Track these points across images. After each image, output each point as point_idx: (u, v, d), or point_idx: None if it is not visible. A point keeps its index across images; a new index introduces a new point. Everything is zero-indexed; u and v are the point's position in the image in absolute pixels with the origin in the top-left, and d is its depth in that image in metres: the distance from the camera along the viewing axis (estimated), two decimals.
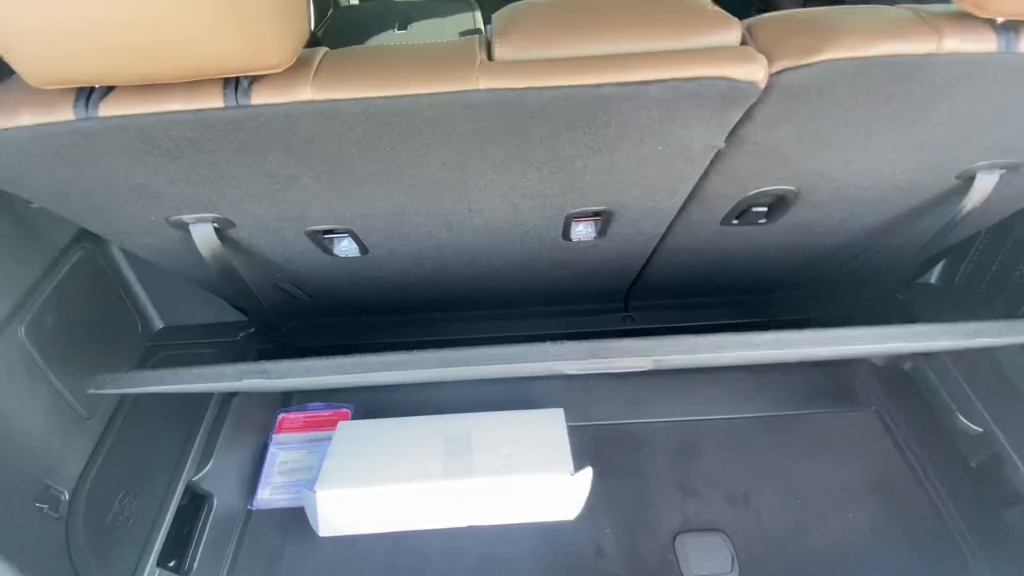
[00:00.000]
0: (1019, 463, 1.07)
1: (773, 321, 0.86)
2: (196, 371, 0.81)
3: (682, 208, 0.86)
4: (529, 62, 0.59)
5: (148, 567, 1.02)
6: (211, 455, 1.21)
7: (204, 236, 0.83)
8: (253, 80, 0.59)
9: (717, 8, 0.63)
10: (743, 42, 0.62)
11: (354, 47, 0.65)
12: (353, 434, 1.29)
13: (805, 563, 1.13)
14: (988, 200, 0.84)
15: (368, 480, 1.17)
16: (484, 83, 0.58)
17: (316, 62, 0.61)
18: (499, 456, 1.20)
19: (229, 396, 1.31)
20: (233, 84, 0.59)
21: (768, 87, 0.60)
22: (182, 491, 1.13)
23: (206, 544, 1.14)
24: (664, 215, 0.87)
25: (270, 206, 0.78)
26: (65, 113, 0.60)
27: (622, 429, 1.36)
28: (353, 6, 2.81)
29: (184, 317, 1.32)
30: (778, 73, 0.59)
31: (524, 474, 1.17)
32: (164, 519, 1.08)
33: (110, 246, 1.17)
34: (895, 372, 1.39)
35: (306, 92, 0.59)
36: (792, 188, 0.82)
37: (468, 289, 1.17)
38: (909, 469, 1.26)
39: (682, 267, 1.13)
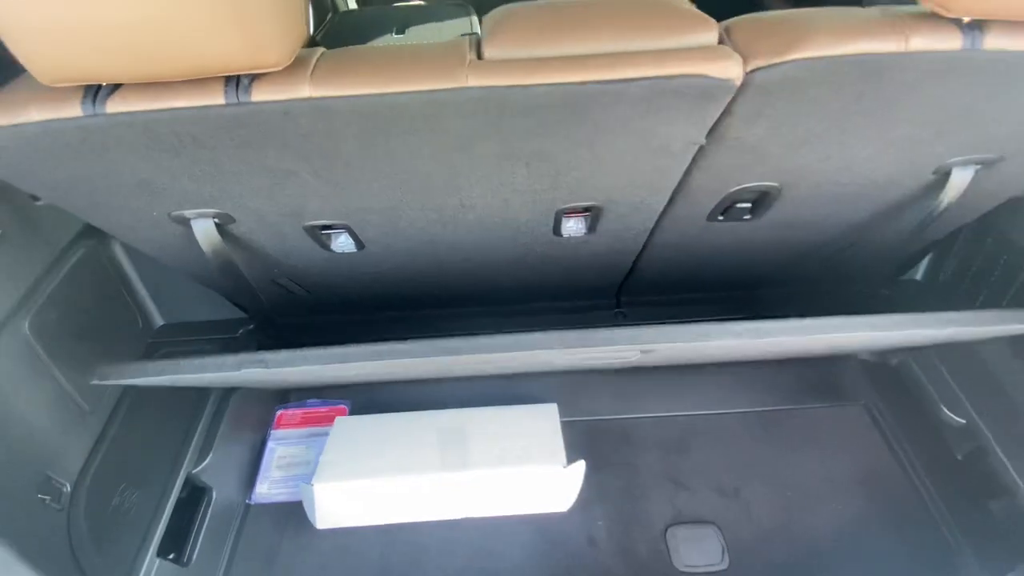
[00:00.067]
0: (1002, 455, 1.10)
1: (762, 317, 0.89)
2: (197, 362, 0.83)
3: (669, 204, 0.89)
4: (516, 61, 0.62)
5: (148, 558, 1.04)
6: (210, 449, 1.23)
7: (205, 231, 0.86)
8: (253, 78, 0.62)
9: (696, 10, 0.66)
10: (721, 42, 0.65)
11: (351, 47, 0.68)
12: (350, 429, 1.32)
13: (794, 554, 1.15)
14: (965, 195, 0.87)
15: (365, 473, 1.19)
16: (473, 81, 0.61)
17: (313, 61, 0.64)
18: (494, 449, 1.22)
19: (228, 392, 1.33)
20: (234, 82, 0.62)
21: (744, 85, 0.63)
22: (181, 484, 1.15)
23: (205, 536, 1.15)
24: (651, 211, 0.90)
25: (269, 201, 0.80)
26: (73, 110, 0.63)
27: (615, 424, 1.39)
28: (352, 11, 2.85)
29: (184, 314, 1.34)
30: (753, 71, 0.62)
31: (518, 466, 1.19)
32: (164, 511, 1.10)
33: (112, 244, 1.19)
34: (883, 367, 1.42)
35: (304, 89, 0.62)
36: (774, 184, 0.85)
37: (463, 285, 1.20)
38: (896, 462, 1.29)
39: (671, 263, 1.15)
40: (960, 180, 0.84)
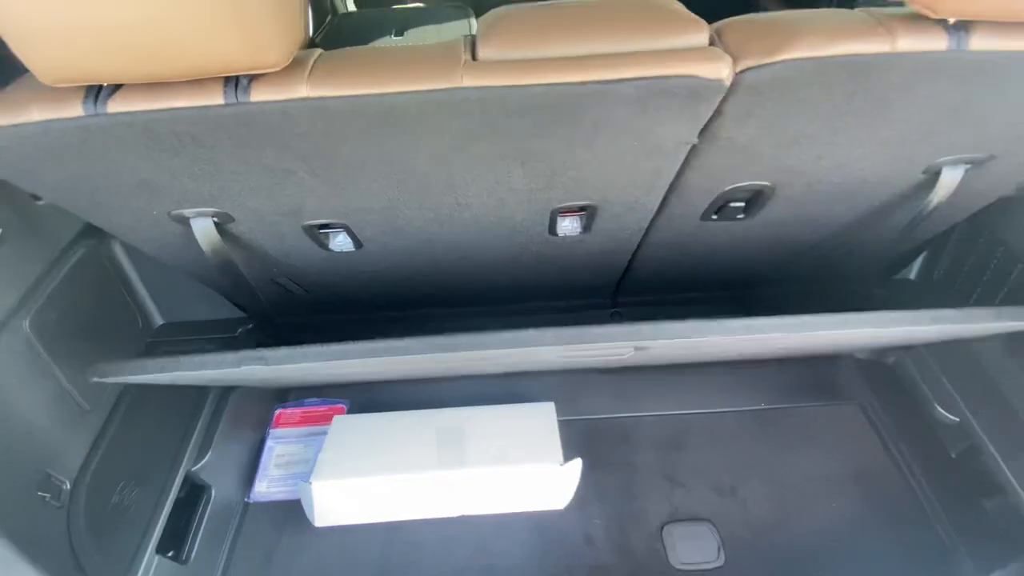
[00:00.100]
0: (995, 453, 1.10)
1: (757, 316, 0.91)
2: (196, 359, 0.84)
3: (663, 203, 0.90)
4: (511, 62, 0.63)
5: (147, 555, 1.04)
6: (209, 447, 1.23)
7: (204, 230, 0.87)
8: (252, 79, 0.63)
9: (687, 12, 0.67)
10: (711, 43, 0.66)
11: (348, 48, 0.69)
12: (348, 427, 1.32)
13: (789, 552, 1.16)
14: (955, 195, 0.88)
15: (363, 471, 1.20)
16: (468, 81, 0.62)
17: (311, 62, 0.65)
18: (491, 447, 1.23)
19: (227, 391, 1.34)
20: (233, 82, 0.63)
21: (734, 85, 0.64)
22: (180, 482, 1.16)
23: (204, 534, 1.16)
24: (645, 210, 0.91)
25: (268, 200, 0.81)
26: (75, 109, 0.64)
27: (612, 423, 1.39)
28: (351, 13, 2.86)
29: (184, 314, 1.35)
30: (742, 72, 0.63)
31: (515, 465, 1.20)
32: (163, 509, 1.11)
33: (112, 243, 1.20)
34: (878, 366, 1.43)
35: (302, 90, 0.63)
36: (767, 183, 0.86)
37: (460, 284, 1.21)
38: (891, 460, 1.29)
39: (667, 262, 1.16)
40: (950, 179, 0.85)
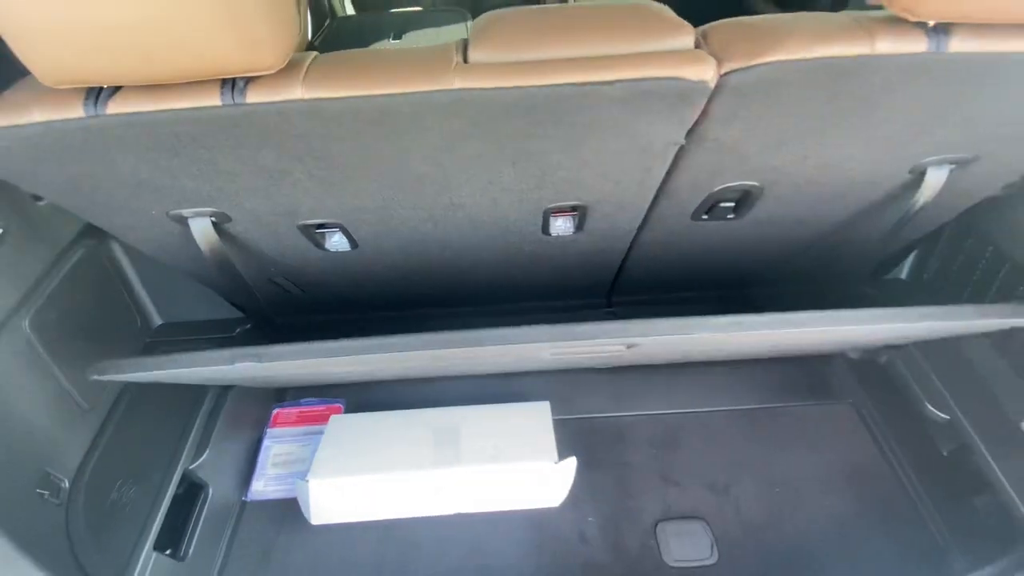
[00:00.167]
0: (985, 451, 1.12)
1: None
2: (192, 356, 0.85)
3: (653, 203, 0.92)
4: (501, 64, 0.64)
5: (145, 552, 1.05)
6: (207, 446, 1.24)
7: (202, 230, 0.88)
8: (248, 80, 0.65)
9: (674, 16, 0.68)
10: (697, 46, 0.67)
11: (342, 51, 0.70)
12: (345, 426, 1.34)
13: (782, 549, 1.17)
14: (941, 194, 0.89)
15: (359, 469, 1.21)
16: (458, 83, 0.63)
17: (306, 64, 0.66)
18: (486, 446, 1.24)
19: (225, 390, 1.35)
20: (230, 84, 0.64)
21: (719, 87, 0.66)
22: (178, 480, 1.17)
23: (202, 531, 1.17)
24: (636, 210, 0.92)
25: (264, 200, 0.82)
26: (75, 111, 0.65)
27: (607, 422, 1.41)
28: (349, 17, 2.89)
29: (182, 314, 1.36)
30: (727, 74, 0.65)
31: (510, 463, 1.21)
32: (161, 506, 1.12)
33: (112, 244, 1.21)
34: (870, 365, 1.44)
35: (297, 91, 0.64)
36: (755, 184, 0.87)
37: (456, 284, 1.22)
38: (884, 459, 1.30)
39: (660, 262, 1.18)
40: (935, 179, 0.86)
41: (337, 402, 1.47)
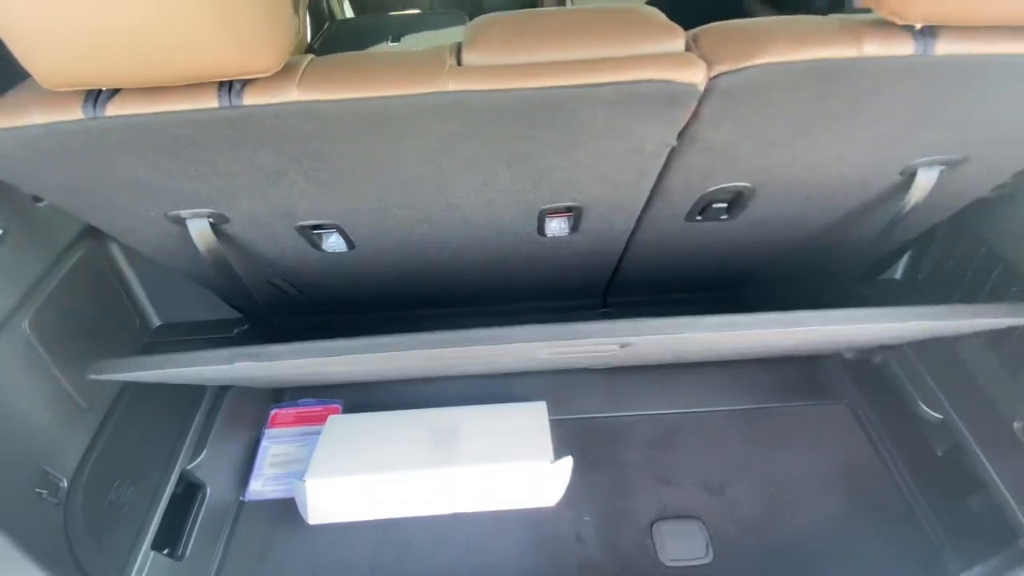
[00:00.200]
0: (978, 450, 1.12)
1: None
2: (191, 355, 0.86)
3: (647, 204, 0.93)
4: (494, 67, 0.65)
5: (142, 552, 1.06)
6: (204, 446, 1.25)
7: (200, 231, 0.89)
8: (245, 83, 0.66)
9: (665, 19, 0.69)
10: (688, 49, 0.68)
11: (338, 54, 0.71)
12: (342, 427, 1.34)
13: (777, 548, 1.18)
14: (931, 195, 0.90)
15: (356, 469, 1.22)
16: (452, 85, 0.64)
17: (302, 67, 0.67)
18: (483, 446, 1.25)
19: (223, 391, 1.36)
20: (227, 86, 0.65)
21: (708, 89, 0.67)
22: (176, 479, 1.17)
23: (199, 531, 1.18)
24: (630, 211, 0.93)
25: (262, 201, 0.83)
26: (75, 113, 0.66)
27: (603, 422, 1.41)
28: (349, 19, 2.91)
29: (181, 315, 1.37)
30: (716, 77, 0.66)
31: (506, 462, 1.22)
32: (158, 506, 1.12)
33: (111, 245, 1.22)
34: (865, 366, 1.44)
35: (293, 93, 0.65)
36: (747, 185, 0.88)
37: (453, 285, 1.23)
38: (879, 459, 1.31)
39: (655, 263, 1.18)
40: (926, 180, 0.87)
41: (335, 402, 1.47)
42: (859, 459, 1.32)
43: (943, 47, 0.65)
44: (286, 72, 0.66)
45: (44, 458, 0.96)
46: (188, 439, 1.24)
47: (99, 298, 1.20)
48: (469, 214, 0.90)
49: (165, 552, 1.11)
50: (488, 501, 1.23)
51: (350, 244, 0.99)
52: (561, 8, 0.73)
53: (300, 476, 1.22)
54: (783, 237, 1.07)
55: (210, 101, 0.65)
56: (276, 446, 1.38)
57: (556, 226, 0.99)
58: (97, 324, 1.17)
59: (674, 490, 1.27)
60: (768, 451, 1.33)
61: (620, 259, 1.16)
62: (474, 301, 1.33)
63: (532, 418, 1.31)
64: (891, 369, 1.36)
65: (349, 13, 2.98)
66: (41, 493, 0.93)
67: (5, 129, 0.68)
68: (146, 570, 1.05)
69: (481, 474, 1.21)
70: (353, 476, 1.21)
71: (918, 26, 0.65)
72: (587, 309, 1.42)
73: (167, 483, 1.16)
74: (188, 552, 1.14)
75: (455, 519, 1.22)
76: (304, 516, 1.21)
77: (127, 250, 1.23)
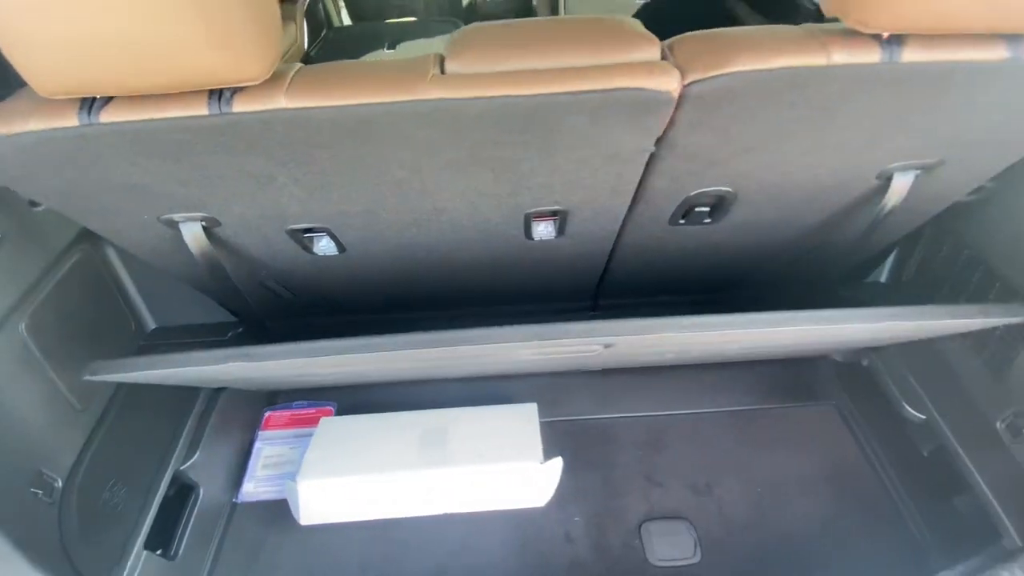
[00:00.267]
0: (960, 450, 1.14)
1: None
2: (184, 356, 0.88)
3: (631, 208, 0.95)
4: (475, 75, 0.68)
5: (135, 551, 1.07)
6: (197, 448, 1.26)
7: (193, 234, 0.91)
8: (235, 91, 0.68)
9: (642, 29, 0.72)
10: (663, 58, 0.71)
11: (326, 63, 0.74)
12: (334, 428, 1.36)
13: (764, 548, 1.19)
14: (908, 199, 0.92)
15: (348, 470, 1.23)
16: (432, 93, 0.66)
17: (290, 75, 0.70)
18: (473, 447, 1.26)
19: (216, 393, 1.37)
20: (217, 95, 0.68)
21: (683, 97, 0.69)
22: (169, 480, 1.19)
23: (192, 531, 1.19)
24: (614, 215, 0.95)
25: (252, 205, 0.85)
26: (70, 120, 0.69)
27: (594, 424, 1.43)
28: (346, 27, 2.94)
29: (176, 318, 1.38)
30: (690, 84, 0.68)
31: (496, 463, 1.23)
32: (151, 506, 1.14)
33: (107, 249, 1.24)
34: (854, 367, 1.46)
35: (280, 101, 0.67)
36: (728, 189, 0.90)
37: (443, 288, 1.25)
38: (866, 460, 1.32)
39: (642, 266, 1.20)
40: (902, 184, 0.89)
41: (328, 405, 1.49)
42: (846, 460, 1.33)
43: (909, 55, 0.67)
44: (274, 80, 0.68)
45: (39, 458, 0.97)
46: (181, 440, 1.26)
47: (95, 301, 1.21)
48: (456, 217, 0.92)
49: (158, 552, 1.12)
50: (478, 501, 1.24)
51: (341, 247, 1.01)
52: (543, 19, 0.75)
53: (293, 477, 1.23)
54: (767, 240, 1.09)
55: (201, 109, 0.68)
56: (269, 448, 1.40)
57: (543, 230, 1.01)
58: (93, 327, 1.19)
59: (663, 491, 1.29)
60: (756, 452, 1.35)
61: (608, 262, 1.18)
62: (466, 303, 1.35)
63: (522, 419, 1.33)
64: (877, 371, 1.37)
65: (347, 20, 3.01)
66: (36, 493, 0.95)
67: (3, 136, 0.70)
68: (138, 570, 1.06)
69: (471, 475, 1.23)
70: (344, 477, 1.22)
71: (885, 35, 0.67)
72: (577, 311, 1.44)
73: (160, 484, 1.17)
74: (181, 552, 1.15)
75: (446, 519, 1.24)
76: (296, 517, 1.22)
77: (123, 254, 1.25)
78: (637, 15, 0.85)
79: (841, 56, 0.66)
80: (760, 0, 2.27)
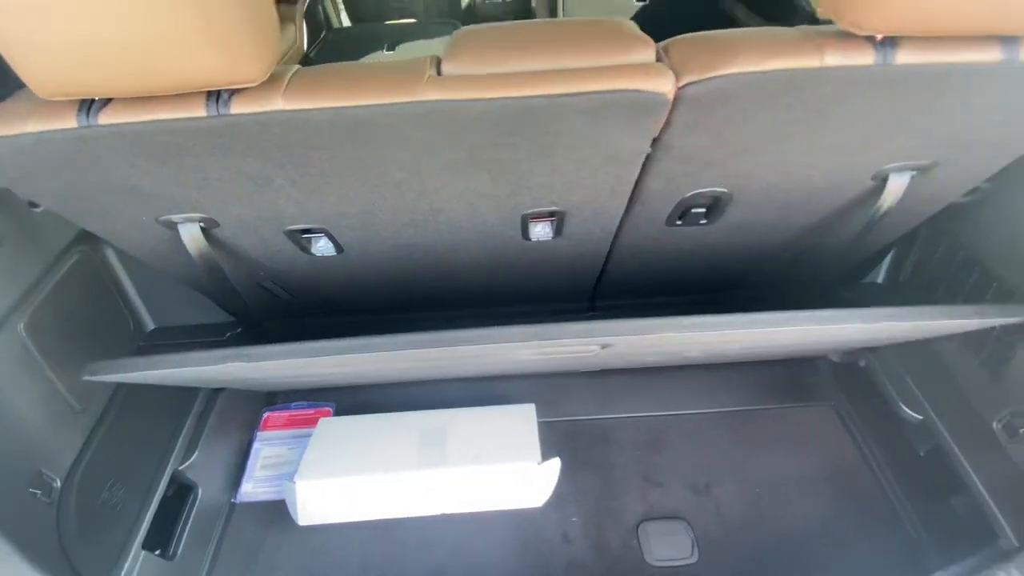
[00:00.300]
0: (956, 449, 1.14)
1: None
2: (182, 356, 0.88)
3: (628, 209, 0.95)
4: (472, 77, 0.68)
5: (133, 551, 1.07)
6: (196, 448, 1.27)
7: (191, 235, 0.91)
8: (232, 93, 0.68)
9: (637, 31, 0.72)
10: (658, 60, 0.71)
11: (324, 65, 0.74)
12: (333, 429, 1.36)
13: (762, 548, 1.19)
14: (904, 200, 0.92)
15: (346, 471, 1.23)
16: (429, 95, 0.67)
17: (287, 77, 0.70)
18: (471, 447, 1.26)
19: (215, 393, 1.37)
20: (215, 96, 0.68)
21: (678, 98, 0.69)
22: (167, 480, 1.19)
23: (190, 532, 1.19)
24: (611, 215, 0.96)
25: (250, 206, 0.86)
26: (69, 121, 0.69)
27: (593, 424, 1.43)
28: (345, 28, 2.94)
29: (175, 318, 1.39)
30: (684, 86, 0.68)
31: (494, 463, 1.23)
32: (150, 507, 1.14)
33: (106, 249, 1.25)
34: (851, 368, 1.46)
35: (278, 103, 0.68)
36: (724, 190, 0.91)
37: (442, 288, 1.25)
38: (863, 460, 1.33)
39: (640, 266, 1.21)
40: (897, 186, 0.89)
41: (327, 406, 1.49)
42: (843, 460, 1.33)
43: (903, 57, 0.68)
44: (272, 82, 0.69)
45: (38, 458, 0.98)
46: (180, 441, 1.26)
47: (94, 302, 1.22)
48: (453, 218, 0.92)
49: (156, 552, 1.12)
50: (476, 502, 1.24)
51: (338, 248, 1.01)
52: (539, 21, 0.76)
53: (291, 478, 1.24)
54: (763, 241, 1.10)
55: (198, 110, 0.68)
56: (268, 448, 1.40)
57: (540, 230, 1.01)
58: (92, 327, 1.19)
59: (661, 491, 1.29)
60: (754, 452, 1.35)
61: (605, 263, 1.19)
62: (465, 304, 1.35)
63: (521, 420, 1.33)
64: (875, 371, 1.37)
65: (346, 22, 3.01)
66: (35, 493, 0.95)
67: (2, 137, 0.71)
68: (137, 570, 1.06)
69: (469, 475, 1.23)
70: (342, 477, 1.22)
71: (879, 37, 0.67)
72: (575, 313, 1.44)
73: (159, 484, 1.18)
74: (179, 552, 1.15)
75: (444, 520, 1.24)
76: (294, 517, 1.23)
77: (122, 255, 1.26)
78: (636, 17, 0.86)
79: (835, 58, 0.66)
80: (759, 2, 2.28)
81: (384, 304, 1.30)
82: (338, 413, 1.47)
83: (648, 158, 0.80)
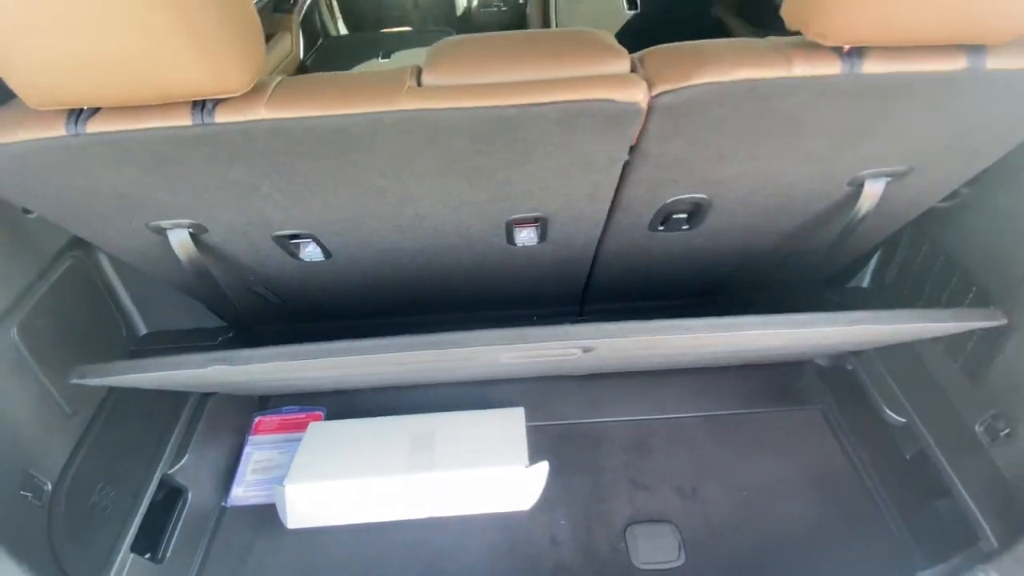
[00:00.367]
0: (939, 452, 1.15)
1: None
2: (167, 359, 0.90)
3: (610, 215, 0.97)
4: (449, 87, 0.70)
5: (123, 553, 1.08)
6: (186, 452, 1.28)
7: (180, 241, 0.93)
8: (217, 102, 0.70)
9: (612, 43, 0.74)
10: (634, 70, 0.73)
11: (307, 75, 0.76)
12: (323, 433, 1.37)
13: (748, 551, 1.20)
14: (881, 205, 0.94)
15: (335, 474, 1.24)
16: (408, 104, 0.69)
17: (271, 87, 0.72)
18: (460, 451, 1.27)
19: (205, 397, 1.39)
20: (200, 106, 0.70)
21: (652, 108, 0.71)
22: (157, 483, 1.20)
23: (180, 535, 1.20)
24: (594, 221, 0.97)
25: (237, 213, 0.88)
26: (57, 130, 0.71)
27: (580, 428, 1.44)
28: (341, 36, 2.98)
29: (167, 323, 1.40)
30: (658, 96, 0.70)
31: (482, 467, 1.24)
32: (139, 510, 1.15)
33: (98, 255, 1.26)
34: (837, 372, 1.47)
35: (261, 112, 0.70)
36: (704, 196, 0.92)
37: (430, 293, 1.26)
38: (848, 463, 1.34)
39: (626, 271, 1.22)
40: (873, 191, 0.91)
41: (318, 410, 1.50)
42: (829, 463, 1.34)
43: (870, 66, 0.70)
44: (256, 92, 0.70)
45: (29, 461, 0.99)
46: (170, 444, 1.27)
47: (86, 306, 1.23)
48: (438, 224, 0.94)
49: (146, 556, 1.13)
50: (465, 505, 1.25)
51: (327, 253, 1.03)
52: (519, 32, 0.77)
53: (281, 482, 1.24)
54: (745, 246, 1.11)
55: (184, 119, 0.70)
56: (259, 452, 1.41)
57: (525, 236, 1.03)
58: (84, 332, 1.20)
59: (648, 494, 1.30)
60: (741, 456, 1.36)
61: (592, 267, 1.20)
62: (454, 309, 1.37)
63: (509, 423, 1.34)
64: (861, 375, 1.39)
65: (343, 30, 3.05)
66: (25, 496, 0.96)
67: None
68: (125, 572, 1.07)
69: (458, 479, 1.24)
70: (332, 481, 1.23)
71: (846, 47, 0.69)
72: (564, 317, 1.46)
73: (149, 487, 1.19)
74: (168, 556, 1.16)
75: (433, 523, 1.25)
76: (284, 521, 1.23)
77: (114, 260, 1.27)
78: (627, 25, 0.88)
79: (803, 68, 0.68)
80: (750, 10, 2.32)
81: (374, 309, 1.31)
82: (329, 417, 1.48)
83: (627, 165, 0.82)
